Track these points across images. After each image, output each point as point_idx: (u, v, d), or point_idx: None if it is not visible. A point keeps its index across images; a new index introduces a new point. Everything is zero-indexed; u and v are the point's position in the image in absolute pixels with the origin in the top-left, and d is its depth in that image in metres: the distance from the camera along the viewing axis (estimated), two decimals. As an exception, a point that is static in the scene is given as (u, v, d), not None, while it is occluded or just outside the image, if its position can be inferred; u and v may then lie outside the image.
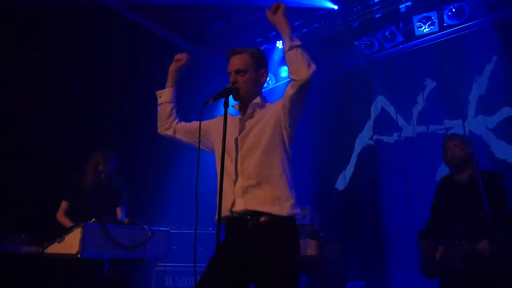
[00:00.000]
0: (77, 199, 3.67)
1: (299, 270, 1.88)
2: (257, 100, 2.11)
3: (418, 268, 3.31)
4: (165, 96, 2.35)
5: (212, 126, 2.18)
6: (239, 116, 2.14)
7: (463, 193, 3.18)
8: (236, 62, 2.08)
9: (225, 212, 1.88)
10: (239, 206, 1.88)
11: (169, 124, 2.30)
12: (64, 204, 3.68)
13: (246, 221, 1.86)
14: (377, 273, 5.05)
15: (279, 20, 2.01)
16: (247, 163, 1.94)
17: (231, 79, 2.07)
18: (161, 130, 2.32)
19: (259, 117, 2.05)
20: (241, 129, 2.04)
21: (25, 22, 4.13)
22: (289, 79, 6.23)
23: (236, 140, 2.01)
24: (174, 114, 2.32)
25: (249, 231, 1.85)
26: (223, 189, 1.88)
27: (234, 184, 1.92)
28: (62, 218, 3.62)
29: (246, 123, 2.05)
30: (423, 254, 3.28)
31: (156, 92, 2.39)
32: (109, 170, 3.74)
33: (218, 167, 1.99)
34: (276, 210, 1.85)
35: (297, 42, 1.95)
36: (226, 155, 1.92)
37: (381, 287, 4.94)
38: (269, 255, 1.79)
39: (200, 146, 2.07)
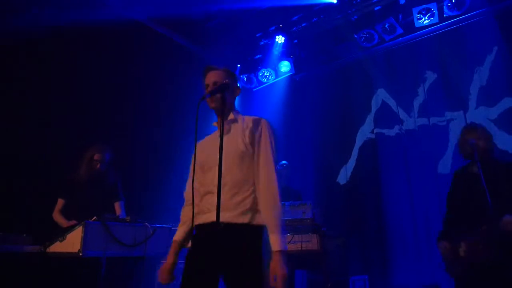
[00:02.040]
0: (73, 196, 3.60)
1: (264, 275, 1.88)
2: (231, 116, 2.18)
3: (444, 269, 3.22)
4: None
5: (198, 149, 2.17)
6: (216, 132, 2.20)
7: (478, 182, 3.01)
8: (213, 75, 2.17)
9: (199, 221, 1.95)
10: (210, 218, 1.90)
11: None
12: (60, 202, 3.60)
13: (218, 225, 1.85)
14: (380, 266, 5.05)
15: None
16: (226, 177, 1.97)
17: (209, 89, 2.14)
18: None
19: (233, 135, 2.11)
20: (218, 145, 2.04)
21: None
22: (289, 74, 6.13)
23: (215, 155, 2.00)
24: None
25: (218, 236, 1.87)
26: (198, 200, 2.01)
27: (212, 196, 1.95)
28: (57, 217, 3.55)
29: (224, 139, 2.06)
30: (445, 254, 3.12)
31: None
32: (105, 161, 3.69)
33: (197, 179, 2.08)
34: (245, 220, 1.93)
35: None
36: (207, 170, 2.04)
37: (384, 280, 4.95)
38: (238, 257, 1.86)
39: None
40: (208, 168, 2.06)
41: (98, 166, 3.66)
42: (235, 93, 2.24)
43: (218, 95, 2.07)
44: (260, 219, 1.95)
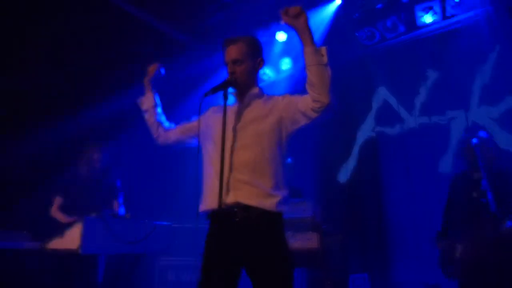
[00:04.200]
0: (72, 194, 3.60)
1: (292, 260, 1.88)
2: (255, 90, 2.09)
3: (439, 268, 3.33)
4: (146, 102, 2.39)
5: (202, 119, 2.14)
6: (235, 105, 2.09)
7: (477, 188, 3.19)
8: (232, 52, 2.04)
9: (213, 204, 1.82)
10: (230, 199, 1.84)
11: (160, 131, 2.32)
12: (58, 200, 3.60)
13: (235, 214, 1.84)
14: (379, 264, 5.04)
15: (303, 28, 1.90)
16: (241, 155, 1.91)
17: (229, 70, 2.04)
18: (159, 140, 2.34)
19: (258, 111, 2.02)
20: (238, 120, 2.01)
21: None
22: (290, 72, 6.14)
23: (230, 131, 1.97)
24: (161, 119, 2.35)
25: (237, 224, 1.84)
26: (212, 180, 1.88)
27: (226, 176, 1.88)
28: (56, 213, 3.54)
29: (243, 114, 2.02)
30: (442, 254, 3.32)
31: (137, 101, 2.44)
32: (104, 159, 3.70)
33: (210, 158, 1.99)
34: (266, 205, 1.85)
35: (326, 59, 1.86)
36: (218, 146, 1.87)
37: (384, 278, 4.94)
38: (262, 245, 1.81)
39: (191, 142, 2.15)
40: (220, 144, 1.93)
41: (98, 165, 3.67)
42: (256, 67, 2.10)
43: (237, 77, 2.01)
44: (280, 206, 1.88)
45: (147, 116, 2.38)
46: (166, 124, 2.36)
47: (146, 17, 5.27)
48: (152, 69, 2.44)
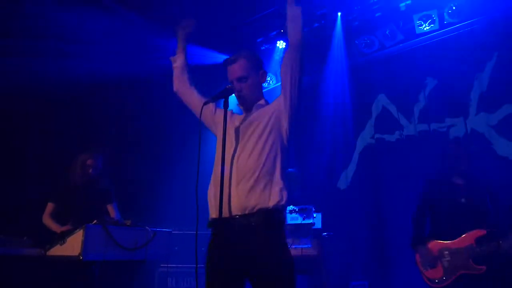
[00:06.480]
0: (65, 201, 3.60)
1: (294, 265, 1.90)
2: (262, 102, 2.16)
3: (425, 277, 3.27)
4: (179, 60, 2.42)
5: (219, 116, 2.16)
6: (243, 115, 2.16)
7: (463, 193, 3.19)
8: (235, 69, 2.10)
9: (214, 214, 1.89)
10: (230, 208, 1.87)
11: (185, 82, 2.37)
12: (50, 206, 3.59)
13: (235, 222, 1.87)
14: (380, 272, 5.03)
15: None
16: (242, 164, 1.93)
17: (236, 88, 2.09)
18: (177, 87, 2.39)
19: (260, 119, 2.05)
20: (243, 130, 2.05)
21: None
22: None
23: (234, 141, 2.02)
24: (188, 73, 2.39)
25: (238, 232, 1.86)
26: (213, 190, 1.95)
27: (226, 185, 1.90)
28: (47, 220, 3.53)
29: (249, 124, 2.06)
30: (425, 260, 3.23)
31: (170, 59, 2.47)
32: (98, 166, 3.70)
33: (214, 165, 2.05)
34: (266, 212, 1.87)
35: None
36: (219, 156, 1.91)
37: (385, 286, 4.93)
38: (263, 252, 1.83)
39: (203, 128, 2.15)
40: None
41: (91, 171, 3.66)
42: (260, 80, 2.17)
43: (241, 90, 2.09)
44: (280, 212, 1.91)
45: (176, 70, 2.42)
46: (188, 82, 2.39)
47: (146, 23, 5.32)
48: (188, 24, 2.46)
